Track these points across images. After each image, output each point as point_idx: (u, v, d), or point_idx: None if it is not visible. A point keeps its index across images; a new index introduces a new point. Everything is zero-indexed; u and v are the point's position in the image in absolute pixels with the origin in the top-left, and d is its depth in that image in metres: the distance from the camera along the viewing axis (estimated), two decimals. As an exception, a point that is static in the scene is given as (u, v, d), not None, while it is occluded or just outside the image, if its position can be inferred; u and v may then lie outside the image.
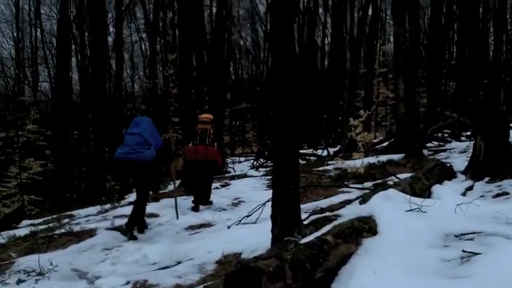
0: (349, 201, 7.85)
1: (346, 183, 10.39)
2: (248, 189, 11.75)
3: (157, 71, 30.33)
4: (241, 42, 44.66)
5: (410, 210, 5.27)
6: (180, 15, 13.88)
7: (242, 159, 21.80)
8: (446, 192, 7.13)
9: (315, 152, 19.62)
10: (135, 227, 7.58)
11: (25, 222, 12.10)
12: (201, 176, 9.83)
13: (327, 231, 4.46)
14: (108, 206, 11.22)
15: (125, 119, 29.68)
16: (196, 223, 8.15)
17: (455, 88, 28.24)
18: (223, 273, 5.34)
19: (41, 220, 11.82)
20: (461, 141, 15.83)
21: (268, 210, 7.32)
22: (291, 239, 4.78)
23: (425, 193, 7.17)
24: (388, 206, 5.41)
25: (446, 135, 17.30)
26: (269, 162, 18.68)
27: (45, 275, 5.72)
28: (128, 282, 5.53)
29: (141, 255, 6.43)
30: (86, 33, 25.81)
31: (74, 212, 11.98)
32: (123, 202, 11.69)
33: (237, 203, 10.12)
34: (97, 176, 18.69)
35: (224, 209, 9.54)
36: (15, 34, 34.36)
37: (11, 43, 37.01)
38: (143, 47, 38.19)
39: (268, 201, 7.72)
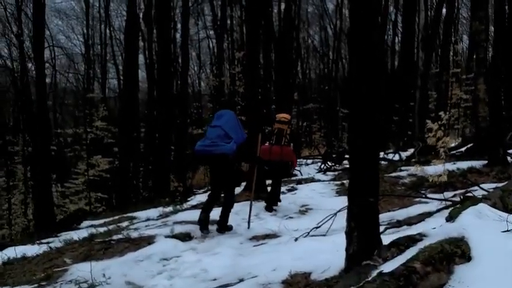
0: (429, 214, 7.11)
1: (423, 192, 9.55)
2: (316, 195, 11.10)
3: (224, 69, 30.05)
4: (309, 41, 43.99)
5: (507, 230, 4.46)
6: (248, 12, 13.43)
7: (309, 161, 20.98)
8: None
9: (385, 156, 18.69)
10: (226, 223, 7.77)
11: (86, 222, 11.95)
12: (275, 177, 9.81)
13: (413, 256, 3.76)
14: (169, 209, 10.86)
15: (191, 117, 29.68)
16: (262, 233, 7.54)
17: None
18: (291, 296, 4.74)
19: (101, 221, 11.63)
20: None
21: (339, 220, 6.76)
22: (370, 264, 4.11)
23: (517, 209, 6.31)
24: (481, 225, 4.62)
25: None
26: (337, 165, 17.93)
27: (96, 288, 5.28)
28: (185, 300, 5.02)
29: (200, 269, 5.90)
30: (154, 31, 25.86)
31: (135, 214, 11.75)
32: (185, 205, 11.27)
33: (304, 210, 9.48)
34: (162, 175, 18.45)
35: (291, 217, 8.93)
36: (85, 31, 34.81)
37: (81, 39, 37.74)
38: (210, 44, 38.12)
39: (339, 211, 7.11)
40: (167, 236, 7.13)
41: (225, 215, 7.77)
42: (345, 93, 36.04)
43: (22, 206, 27.67)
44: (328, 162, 18.16)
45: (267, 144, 9.55)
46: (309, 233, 6.81)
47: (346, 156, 18.13)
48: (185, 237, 7.30)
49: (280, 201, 9.94)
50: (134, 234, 7.30)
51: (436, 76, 29.20)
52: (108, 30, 33.40)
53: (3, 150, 30.52)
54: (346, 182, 12.23)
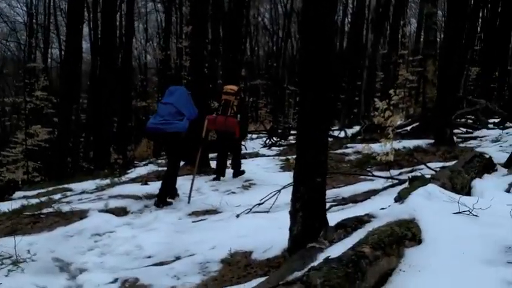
0: (374, 192, 6.96)
1: (369, 169, 9.43)
2: (260, 170, 10.80)
3: (171, 42, 29.37)
4: (259, 18, 43.56)
5: (458, 212, 4.28)
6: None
7: (254, 136, 20.75)
8: (490, 189, 6.14)
9: (331, 133, 18.62)
10: (167, 196, 7.63)
11: (19, 193, 11.35)
12: (224, 146, 9.87)
13: (362, 239, 3.51)
14: (107, 181, 10.39)
15: (135, 89, 28.98)
16: (202, 209, 7.19)
17: (477, 73, 27.16)
18: (230, 276, 4.45)
19: (35, 192, 11.07)
20: (489, 128, 14.72)
21: (283, 197, 6.55)
22: (316, 246, 3.86)
23: (465, 189, 6.20)
24: (432, 207, 4.43)
25: (470, 121, 16.19)
26: (282, 141, 17.75)
27: (20, 265, 4.85)
28: (116, 280, 4.67)
29: (134, 246, 5.56)
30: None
31: (71, 185, 11.27)
32: (124, 178, 10.80)
33: (247, 185, 9.16)
34: (102, 147, 17.84)
35: (233, 192, 8.60)
36: (28, -1, 33.40)
37: (24, 8, 36.18)
38: (158, 18, 37.14)
39: (284, 187, 6.89)
40: (101, 211, 6.73)
41: (166, 186, 7.66)
42: (295, 71, 36.09)
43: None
44: (274, 138, 17.95)
45: (214, 115, 9.43)
46: (251, 209, 6.55)
47: (292, 132, 18.00)
48: (120, 212, 6.91)
49: (243, 172, 9.97)
50: (66, 208, 6.84)
51: (383, 57, 29.40)
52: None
53: None
54: (291, 157, 12.01)
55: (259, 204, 6.62)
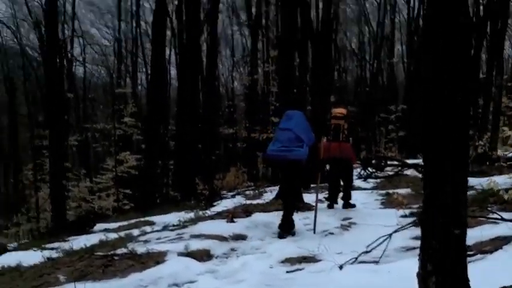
0: (505, 239, 5.68)
1: (490, 209, 8.06)
2: (358, 206, 9.66)
3: (258, 67, 28.78)
4: (347, 43, 42.42)
5: None
6: (283, 9, 12.16)
7: None
8: None
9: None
10: (290, 227, 7.35)
11: (100, 226, 10.82)
12: (338, 174, 9.44)
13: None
14: (191, 215, 9.60)
15: (222, 116, 28.55)
16: (297, 254, 6.12)
17: None
18: None
19: (116, 225, 10.57)
20: None
21: (393, 242, 5.49)
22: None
23: None
24: None
25: None
26: (378, 172, 16.43)
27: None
28: None
29: (217, 304, 4.61)
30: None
31: (154, 218, 10.69)
32: (209, 211, 9.96)
33: (347, 225, 8.03)
34: (188, 175, 17.20)
35: (331, 233, 7.48)
36: (116, 24, 34.18)
37: (112, 34, 37.09)
38: (244, 41, 36.89)
39: (395, 232, 5.80)
40: (181, 254, 5.83)
41: (287, 217, 7.35)
42: (386, 98, 34.65)
43: (49, 200, 27.11)
44: (369, 169, 16.64)
45: (325, 140, 8.91)
46: (356, 258, 5.45)
47: (390, 163, 16.72)
48: (202, 255, 5.98)
49: (354, 206, 9.50)
50: (142, 249, 6.01)
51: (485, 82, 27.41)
52: (143, 24, 32.62)
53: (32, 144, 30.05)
54: (391, 191, 11.01)
55: (366, 252, 5.52)
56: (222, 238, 6.74)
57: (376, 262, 5.30)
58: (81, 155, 32.20)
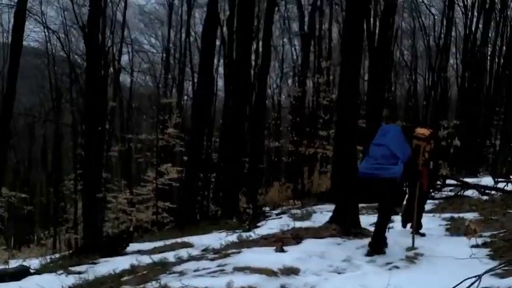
0: None
1: None
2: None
3: (309, 80, 27.69)
4: (399, 57, 40.87)
5: None
6: (348, 16, 11.13)
7: None
8: None
9: (495, 184, 15.63)
10: (381, 245, 7.03)
11: (134, 246, 9.95)
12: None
13: None
14: (234, 237, 8.62)
15: (268, 128, 27.63)
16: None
17: None
18: None
19: (151, 246, 9.71)
20: None
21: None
22: None
23: None
24: None
25: None
26: (435, 192, 15.12)
27: None
28: None
29: None
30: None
31: (194, 239, 9.78)
32: (253, 234, 8.87)
33: (412, 256, 6.80)
34: (230, 190, 16.22)
35: (397, 267, 6.34)
36: (165, 33, 33.91)
37: (160, 42, 36.82)
38: (293, 54, 35.96)
39: (486, 273, 4.74)
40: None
41: (379, 235, 7.06)
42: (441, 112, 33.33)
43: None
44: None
45: None
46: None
47: (449, 182, 15.42)
48: (248, 299, 4.94)
49: (423, 235, 8.44)
50: (176, 285, 5.02)
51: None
52: (192, 33, 32.16)
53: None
54: (456, 216, 9.87)
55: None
56: (271, 272, 5.63)
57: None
58: (123, 166, 31.70)
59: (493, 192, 14.30)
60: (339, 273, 6.04)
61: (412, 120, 33.38)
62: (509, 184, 14.96)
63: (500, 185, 14.93)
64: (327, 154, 22.94)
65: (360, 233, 7.98)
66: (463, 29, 32.93)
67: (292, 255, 6.29)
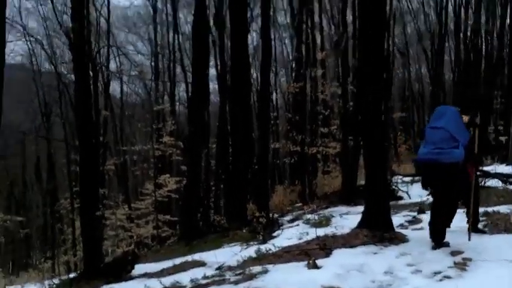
0: None
1: None
2: (453, 229, 7.49)
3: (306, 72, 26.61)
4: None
5: None
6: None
7: (406, 179, 16.99)
8: None
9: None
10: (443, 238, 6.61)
11: (140, 268, 9.01)
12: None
13: None
14: (250, 252, 7.72)
15: (268, 130, 26.79)
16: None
17: None
18: None
19: (159, 267, 8.77)
20: None
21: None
22: None
23: None
24: None
25: None
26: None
27: None
28: None
29: None
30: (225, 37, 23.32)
31: (204, 255, 8.93)
32: (272, 247, 7.86)
33: (461, 262, 5.70)
34: (234, 197, 15.27)
35: (447, 277, 5.34)
36: (152, 36, 33.32)
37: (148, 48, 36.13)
38: (284, 48, 35.65)
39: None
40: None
41: (438, 228, 6.62)
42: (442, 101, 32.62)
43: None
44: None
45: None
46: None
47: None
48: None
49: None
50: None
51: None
52: (179, 37, 31.34)
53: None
54: (491, 210, 8.81)
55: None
56: (310, 296, 4.76)
57: None
58: (119, 179, 30.77)
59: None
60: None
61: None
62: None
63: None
64: (329, 152, 22.05)
65: (395, 237, 7.04)
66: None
67: (328, 272, 5.36)
